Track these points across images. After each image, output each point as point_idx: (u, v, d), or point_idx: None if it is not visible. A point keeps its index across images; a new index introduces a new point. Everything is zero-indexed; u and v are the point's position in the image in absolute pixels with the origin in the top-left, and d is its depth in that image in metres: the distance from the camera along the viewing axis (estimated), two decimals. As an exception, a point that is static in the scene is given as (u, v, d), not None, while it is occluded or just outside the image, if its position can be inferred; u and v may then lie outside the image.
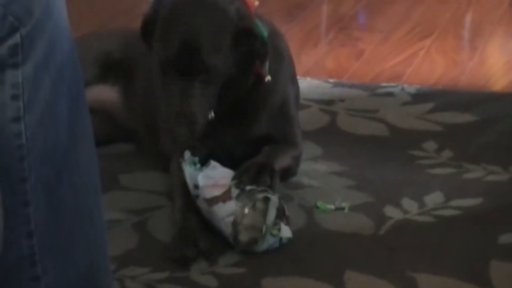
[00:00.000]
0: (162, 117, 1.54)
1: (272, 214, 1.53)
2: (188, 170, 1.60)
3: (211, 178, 1.58)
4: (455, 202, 1.71)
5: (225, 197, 1.55)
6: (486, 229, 1.62)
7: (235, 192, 1.54)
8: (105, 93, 1.89)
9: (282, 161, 1.69)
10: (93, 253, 1.19)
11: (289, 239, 1.55)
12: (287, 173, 1.75)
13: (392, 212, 1.68)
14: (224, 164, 1.63)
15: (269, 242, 1.54)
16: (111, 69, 1.88)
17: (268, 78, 1.66)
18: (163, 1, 1.60)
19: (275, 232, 1.53)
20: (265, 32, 1.63)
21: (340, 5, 2.81)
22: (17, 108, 1.09)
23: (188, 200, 1.61)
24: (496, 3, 2.78)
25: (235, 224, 1.53)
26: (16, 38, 1.07)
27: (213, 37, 1.54)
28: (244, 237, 1.53)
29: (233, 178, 1.56)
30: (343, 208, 1.69)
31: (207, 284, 1.48)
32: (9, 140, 1.08)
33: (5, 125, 1.08)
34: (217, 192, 1.56)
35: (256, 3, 1.72)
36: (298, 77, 1.84)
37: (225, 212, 1.54)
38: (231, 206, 1.54)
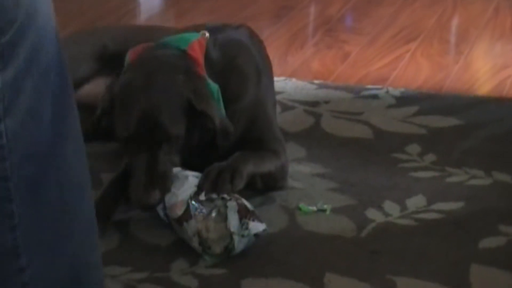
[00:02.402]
0: (132, 187, 1.59)
1: (234, 219, 1.52)
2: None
3: (174, 195, 1.57)
4: (437, 206, 1.71)
5: (187, 216, 1.55)
6: (467, 233, 1.62)
7: (193, 208, 1.54)
8: (101, 86, 1.90)
9: (254, 164, 1.67)
10: (79, 248, 1.20)
11: (264, 230, 1.54)
12: (271, 181, 1.73)
13: (374, 215, 1.68)
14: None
15: (243, 243, 1.54)
16: (107, 62, 1.90)
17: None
18: (115, 85, 1.65)
19: (245, 232, 1.53)
20: (215, 88, 1.67)
21: (327, 7, 2.82)
22: None
23: (122, 177, 1.67)
24: (481, 8, 2.79)
25: (202, 241, 1.53)
26: None
27: (169, 109, 1.60)
28: (216, 249, 1.53)
29: (197, 187, 1.56)
30: (325, 210, 1.69)
31: (188, 285, 1.48)
32: None
33: None
34: (179, 211, 1.56)
35: (207, 34, 1.72)
36: (283, 78, 1.84)
37: (191, 231, 1.54)
38: (193, 224, 1.54)
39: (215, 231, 1.52)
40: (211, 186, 1.56)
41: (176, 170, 1.60)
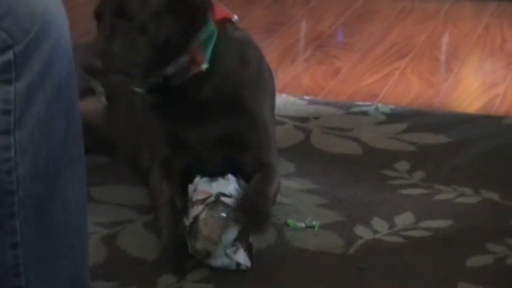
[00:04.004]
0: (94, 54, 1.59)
1: (231, 233, 1.52)
2: (201, 180, 1.61)
3: (209, 185, 1.58)
4: (425, 223, 1.71)
5: (202, 202, 1.55)
6: (455, 251, 1.63)
7: (211, 199, 1.54)
8: (91, 104, 1.90)
9: (272, 198, 1.66)
10: (77, 267, 1.20)
11: (246, 267, 1.53)
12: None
13: (362, 232, 1.68)
14: (203, 172, 1.64)
15: (223, 260, 1.53)
16: (97, 79, 1.89)
17: (204, 66, 1.65)
18: None
19: (230, 252, 1.52)
20: (213, 27, 1.65)
21: (318, 23, 2.83)
22: (7, 122, 1.10)
23: (175, 210, 1.62)
24: (471, 26, 2.80)
25: (194, 228, 1.53)
26: (9, 55, 1.08)
27: None
28: (199, 245, 1.52)
29: (235, 212, 1.55)
30: (313, 227, 1.69)
31: (174, 300, 1.47)
32: None
33: None
34: (201, 196, 1.56)
35: (235, 17, 1.73)
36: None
37: (194, 213, 1.54)
38: (200, 211, 1.54)
39: (209, 229, 1.52)
40: (245, 218, 1.55)
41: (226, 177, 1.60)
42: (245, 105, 1.72)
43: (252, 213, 1.55)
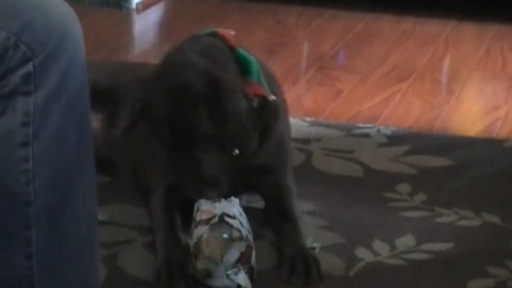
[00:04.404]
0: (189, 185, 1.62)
1: (232, 255, 1.52)
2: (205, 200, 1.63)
3: (212, 205, 1.59)
4: (426, 246, 1.71)
5: (206, 222, 1.55)
6: (456, 274, 1.62)
7: (215, 219, 1.54)
8: (93, 123, 1.90)
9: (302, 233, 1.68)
10: (88, 278, 1.22)
11: None
12: None
13: (363, 254, 1.68)
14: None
15: (223, 281, 1.52)
16: (96, 98, 1.89)
17: (272, 97, 1.69)
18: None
19: (230, 274, 1.52)
20: (252, 61, 1.69)
21: (320, 45, 2.83)
22: (26, 134, 1.12)
23: (172, 233, 1.63)
24: (473, 48, 2.81)
25: (196, 248, 1.52)
26: (29, 67, 1.10)
27: (192, 111, 1.61)
28: (200, 265, 1.52)
29: (282, 276, 1.57)
30: (314, 248, 1.69)
31: (175, 321, 1.47)
32: (16, 164, 1.11)
33: (13, 149, 1.11)
34: (205, 216, 1.56)
35: (232, 33, 1.74)
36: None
37: (197, 234, 1.55)
38: (203, 231, 1.54)
39: (211, 250, 1.52)
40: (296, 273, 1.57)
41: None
42: (284, 138, 1.77)
43: (303, 272, 1.57)
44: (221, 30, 1.75)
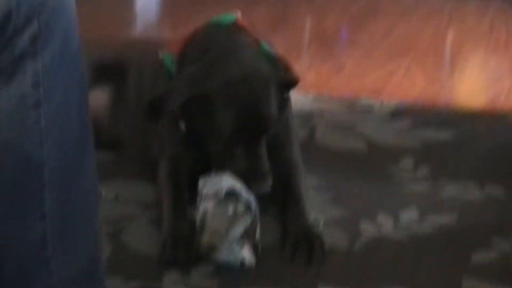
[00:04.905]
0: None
1: (237, 230, 1.52)
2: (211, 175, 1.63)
3: (219, 180, 1.59)
4: (430, 219, 1.71)
5: (212, 196, 1.56)
6: (460, 246, 1.63)
7: (221, 194, 1.55)
8: (96, 97, 1.91)
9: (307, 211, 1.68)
10: (95, 242, 1.24)
11: (250, 265, 1.53)
12: None
13: (367, 228, 1.68)
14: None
15: (227, 256, 1.52)
16: (103, 73, 1.91)
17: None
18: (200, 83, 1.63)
19: (235, 248, 1.52)
20: (270, 49, 1.73)
21: (323, 20, 2.83)
22: (38, 95, 1.13)
23: (179, 205, 1.63)
24: (476, 22, 2.80)
25: (202, 224, 1.53)
26: (34, 27, 1.11)
27: (268, 99, 1.64)
28: (205, 239, 1.53)
29: (285, 253, 1.57)
30: (318, 223, 1.69)
31: (180, 295, 1.48)
32: (30, 127, 1.13)
33: (27, 112, 1.13)
34: (211, 190, 1.57)
35: (239, 13, 1.74)
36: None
37: (203, 208, 1.55)
38: (210, 205, 1.54)
39: (217, 224, 1.52)
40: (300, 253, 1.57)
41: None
42: (290, 117, 1.79)
43: (307, 249, 1.57)
44: (239, 19, 1.74)
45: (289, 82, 1.70)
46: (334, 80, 2.41)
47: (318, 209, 1.73)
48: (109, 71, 1.91)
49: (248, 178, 1.60)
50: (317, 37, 2.70)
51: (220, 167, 1.63)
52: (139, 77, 1.87)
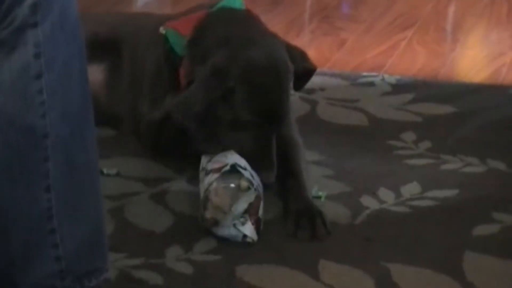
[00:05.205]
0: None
1: (241, 205, 1.53)
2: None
3: (224, 156, 1.59)
4: (431, 193, 1.72)
5: (218, 170, 1.56)
6: (461, 220, 1.63)
7: (226, 169, 1.55)
8: (93, 73, 1.90)
9: (308, 186, 1.69)
10: (99, 214, 1.25)
11: (252, 240, 1.53)
12: None
13: (368, 202, 1.69)
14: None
15: (230, 230, 1.53)
16: (98, 48, 1.90)
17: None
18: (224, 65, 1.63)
19: (238, 224, 1.53)
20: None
21: (324, -6, 2.82)
22: (39, 65, 1.13)
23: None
24: (478, -5, 2.79)
25: (206, 198, 1.53)
26: None
27: (287, 89, 1.66)
28: (208, 214, 1.53)
29: (287, 229, 1.58)
30: (320, 197, 1.69)
31: (182, 271, 1.48)
32: (33, 98, 1.14)
33: (29, 83, 1.13)
34: (216, 165, 1.57)
35: None
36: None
37: (207, 183, 1.55)
38: (213, 180, 1.55)
39: (220, 199, 1.53)
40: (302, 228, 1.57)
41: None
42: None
43: (309, 225, 1.57)
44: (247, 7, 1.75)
45: (308, 71, 1.73)
46: (335, 55, 2.40)
47: (320, 184, 1.73)
48: (105, 47, 1.90)
49: (255, 166, 1.60)
50: (318, 12, 2.69)
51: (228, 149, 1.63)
52: (134, 53, 1.87)
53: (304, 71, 1.73)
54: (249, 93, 1.62)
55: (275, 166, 1.63)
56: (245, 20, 1.71)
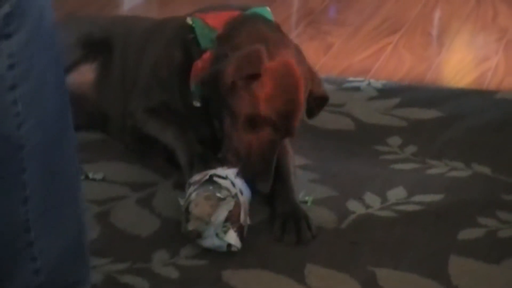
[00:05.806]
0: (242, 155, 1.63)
1: (221, 214, 1.52)
2: None
3: (208, 167, 1.59)
4: (417, 198, 1.72)
5: (197, 182, 1.56)
6: (447, 224, 1.64)
7: (205, 178, 1.55)
8: (82, 77, 1.91)
9: (295, 189, 1.69)
10: (79, 224, 1.23)
11: (236, 248, 1.53)
12: None
13: (354, 207, 1.69)
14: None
15: (213, 241, 1.52)
16: (91, 49, 1.90)
17: None
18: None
19: (220, 233, 1.52)
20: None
21: (310, -2, 2.82)
22: (14, 76, 1.12)
23: (176, 128, 1.72)
24: (463, 0, 2.80)
25: (186, 211, 1.53)
26: (7, 7, 1.10)
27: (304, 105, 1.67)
28: (190, 226, 1.53)
29: (273, 234, 1.59)
30: (306, 202, 1.70)
31: (168, 276, 1.48)
32: (8, 109, 1.12)
33: (3, 94, 1.12)
34: (198, 177, 1.57)
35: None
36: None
37: (187, 195, 1.55)
38: (193, 192, 1.54)
39: (200, 210, 1.52)
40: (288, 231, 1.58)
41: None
42: None
43: (295, 229, 1.58)
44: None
45: (323, 99, 1.73)
46: (322, 59, 2.41)
47: (306, 188, 1.74)
48: (97, 47, 1.90)
49: (253, 174, 1.60)
50: (304, 16, 2.69)
51: (229, 151, 1.63)
52: (124, 53, 1.87)
53: (320, 96, 1.72)
54: (272, 88, 1.61)
55: (272, 177, 1.63)
56: (278, 29, 1.72)
